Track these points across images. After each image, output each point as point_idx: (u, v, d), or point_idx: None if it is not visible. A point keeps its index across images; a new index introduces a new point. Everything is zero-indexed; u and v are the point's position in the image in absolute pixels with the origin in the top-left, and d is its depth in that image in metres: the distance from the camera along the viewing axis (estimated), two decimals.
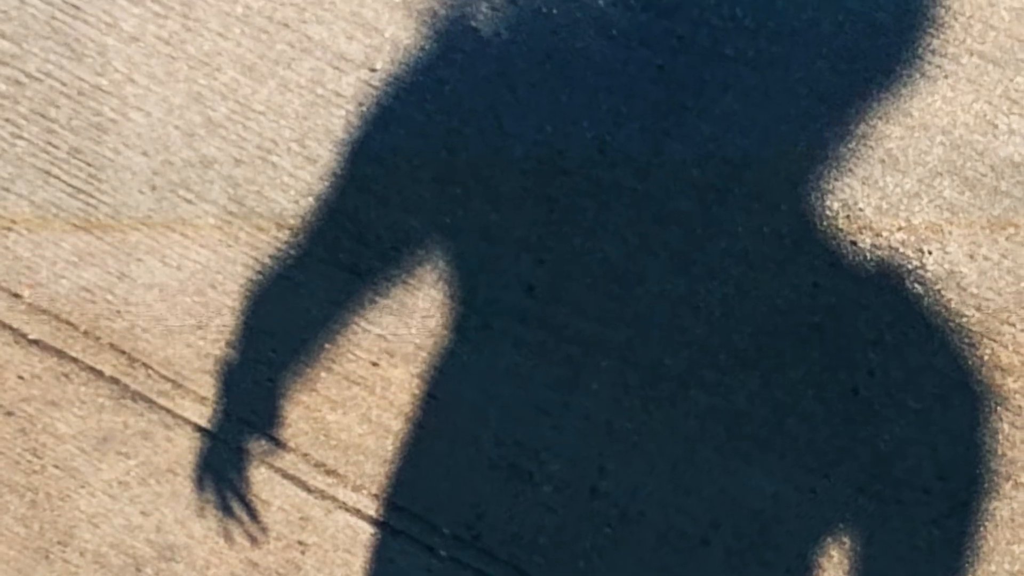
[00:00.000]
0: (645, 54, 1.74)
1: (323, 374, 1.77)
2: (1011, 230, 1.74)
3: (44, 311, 1.78)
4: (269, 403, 1.78)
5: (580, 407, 1.76)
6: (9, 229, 1.78)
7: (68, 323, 1.79)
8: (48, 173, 1.75)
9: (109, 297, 1.78)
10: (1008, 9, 1.74)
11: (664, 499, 1.77)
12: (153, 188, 1.75)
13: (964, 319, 1.75)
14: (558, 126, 1.75)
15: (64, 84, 1.75)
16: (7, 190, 1.76)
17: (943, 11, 1.74)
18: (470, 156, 1.75)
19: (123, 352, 1.78)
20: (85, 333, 1.78)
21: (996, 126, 1.74)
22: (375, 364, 1.76)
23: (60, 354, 1.77)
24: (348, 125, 1.74)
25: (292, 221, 1.76)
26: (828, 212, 1.75)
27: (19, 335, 1.78)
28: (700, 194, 1.75)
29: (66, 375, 1.77)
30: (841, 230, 1.75)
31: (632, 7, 1.75)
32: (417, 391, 1.77)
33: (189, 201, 1.75)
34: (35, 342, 1.80)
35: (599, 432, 1.76)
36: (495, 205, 1.75)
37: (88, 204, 1.76)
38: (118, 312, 1.79)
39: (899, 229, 1.75)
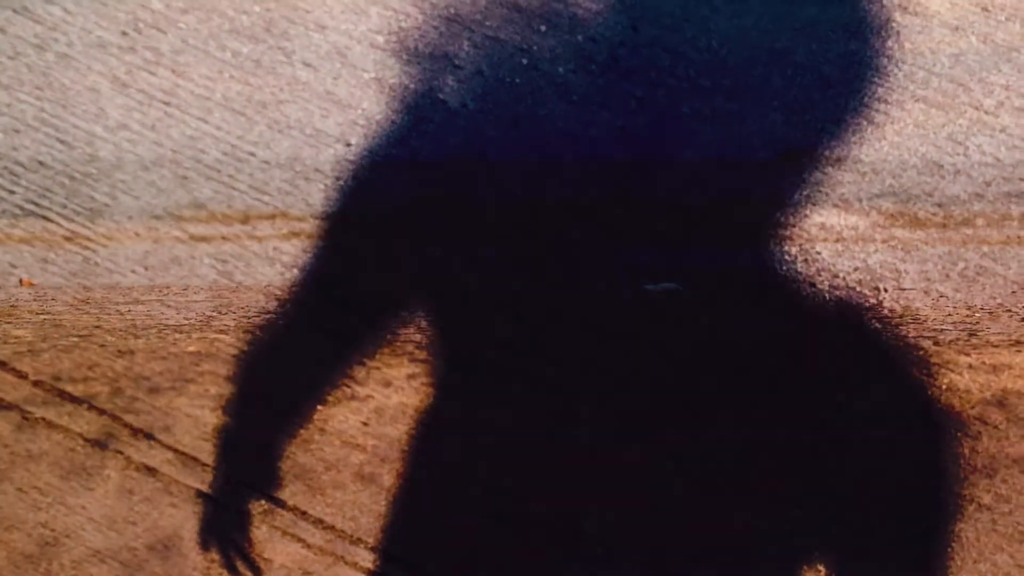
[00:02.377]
0: (606, 116, 1.83)
1: (316, 436, 1.85)
2: (962, 265, 1.83)
3: (49, 389, 1.86)
4: (266, 465, 1.86)
5: (562, 453, 1.85)
6: (11, 315, 1.87)
7: (72, 399, 1.87)
8: (45, 260, 1.83)
9: (110, 374, 1.86)
10: (948, 56, 1.83)
11: (646, 536, 1.85)
12: (146, 268, 1.84)
13: (922, 351, 1.83)
14: (527, 189, 1.84)
15: (56, 172, 1.84)
16: (8, 275, 1.85)
17: (886, 61, 1.83)
18: (445, 221, 1.84)
19: (126, 425, 1.86)
20: (88, 408, 1.86)
21: (942, 167, 1.82)
22: (365, 424, 1.85)
23: (66, 431, 1.86)
24: (327, 198, 1.83)
25: (279, 292, 1.85)
26: (787, 256, 1.84)
27: (26, 414, 1.86)
28: (666, 245, 1.84)
29: (72, 450, 1.85)
30: (800, 273, 1.84)
31: (592, 72, 1.84)
32: (407, 447, 1.85)
33: (181, 278, 1.84)
34: (41, 420, 1.87)
35: (581, 475, 1.84)
36: (472, 266, 1.84)
37: (84, 286, 1.84)
38: (119, 387, 1.87)
39: (855, 269, 1.83)
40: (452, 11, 1.82)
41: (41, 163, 1.84)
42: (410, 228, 1.84)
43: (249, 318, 1.86)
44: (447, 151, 1.83)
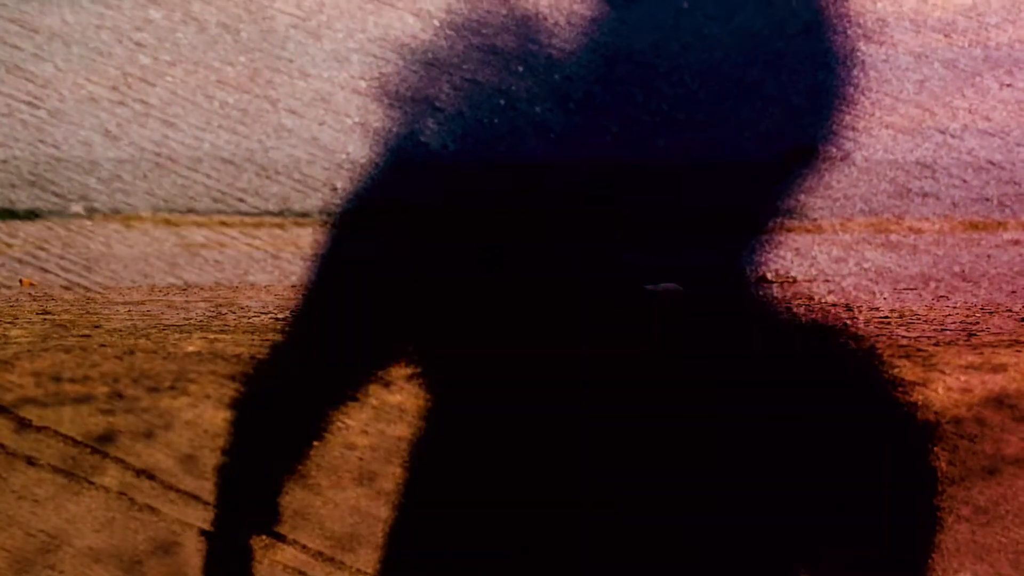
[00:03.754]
0: (583, 152, 1.89)
1: (314, 471, 1.91)
2: (933, 284, 1.89)
3: (53, 434, 1.91)
4: (266, 500, 1.91)
5: (549, 484, 1.90)
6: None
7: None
8: (44, 310, 1.89)
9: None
10: (913, 83, 1.89)
11: (646, 545, 1.90)
12: (142, 315, 1.90)
13: (897, 369, 1.89)
14: (506, 223, 1.89)
15: (53, 225, 1.90)
16: (9, 324, 1.91)
17: (852, 89, 1.89)
18: (431, 257, 1.90)
19: (128, 467, 1.91)
20: (91, 452, 1.91)
21: (911, 190, 1.88)
22: (361, 459, 1.90)
23: (70, 475, 1.90)
24: (315, 242, 1.89)
25: (272, 335, 1.90)
26: (764, 282, 1.90)
27: (30, 460, 1.91)
28: (645, 276, 1.90)
29: (77, 494, 1.90)
30: (776, 298, 1.89)
31: (569, 109, 1.89)
32: (401, 480, 1.90)
33: (176, 326, 1.90)
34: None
35: (581, 485, 1.89)
36: (457, 308, 1.89)
37: (83, 336, 1.90)
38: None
39: (830, 292, 1.89)
40: (431, 56, 1.88)
41: (37, 215, 1.90)
42: (397, 269, 1.89)
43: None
44: (429, 192, 1.89)
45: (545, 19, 1.88)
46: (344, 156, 1.89)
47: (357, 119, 1.88)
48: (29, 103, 1.88)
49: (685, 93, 1.89)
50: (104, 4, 1.89)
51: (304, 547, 1.92)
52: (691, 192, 1.89)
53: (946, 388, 1.85)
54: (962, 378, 1.86)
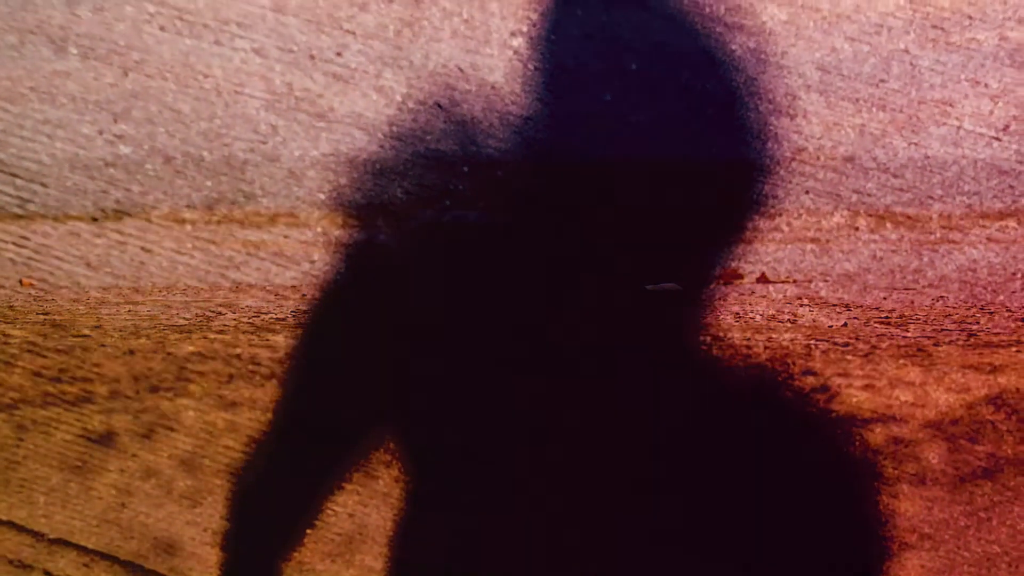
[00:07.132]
0: (528, 242, 2.03)
1: (308, 539, 2.00)
2: (863, 333, 2.02)
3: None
4: (266, 567, 2.02)
5: (535, 541, 2.02)
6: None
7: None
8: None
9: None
10: (828, 148, 2.02)
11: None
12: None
13: (833, 413, 1.99)
14: (474, 305, 2.02)
15: (47, 349, 2.02)
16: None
17: (769, 160, 2.02)
18: (408, 335, 2.02)
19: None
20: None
21: (831, 249, 2.02)
22: (351, 515, 1.99)
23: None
24: (296, 312, 2.02)
25: (258, 413, 2.01)
26: (702, 344, 2.02)
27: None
28: (602, 327, 2.02)
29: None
30: (716, 358, 2.01)
31: (517, 207, 2.03)
32: (389, 548, 2.00)
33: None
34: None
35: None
36: (447, 375, 2.01)
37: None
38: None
39: (766, 348, 2.01)
40: (379, 165, 2.02)
41: (33, 345, 2.03)
42: (376, 341, 1.97)
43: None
44: (395, 271, 2.00)
45: (481, 122, 2.02)
46: (309, 266, 2.04)
47: (319, 230, 2.03)
48: (15, 243, 2.03)
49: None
50: (76, 144, 2.04)
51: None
52: (625, 271, 2.03)
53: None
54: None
